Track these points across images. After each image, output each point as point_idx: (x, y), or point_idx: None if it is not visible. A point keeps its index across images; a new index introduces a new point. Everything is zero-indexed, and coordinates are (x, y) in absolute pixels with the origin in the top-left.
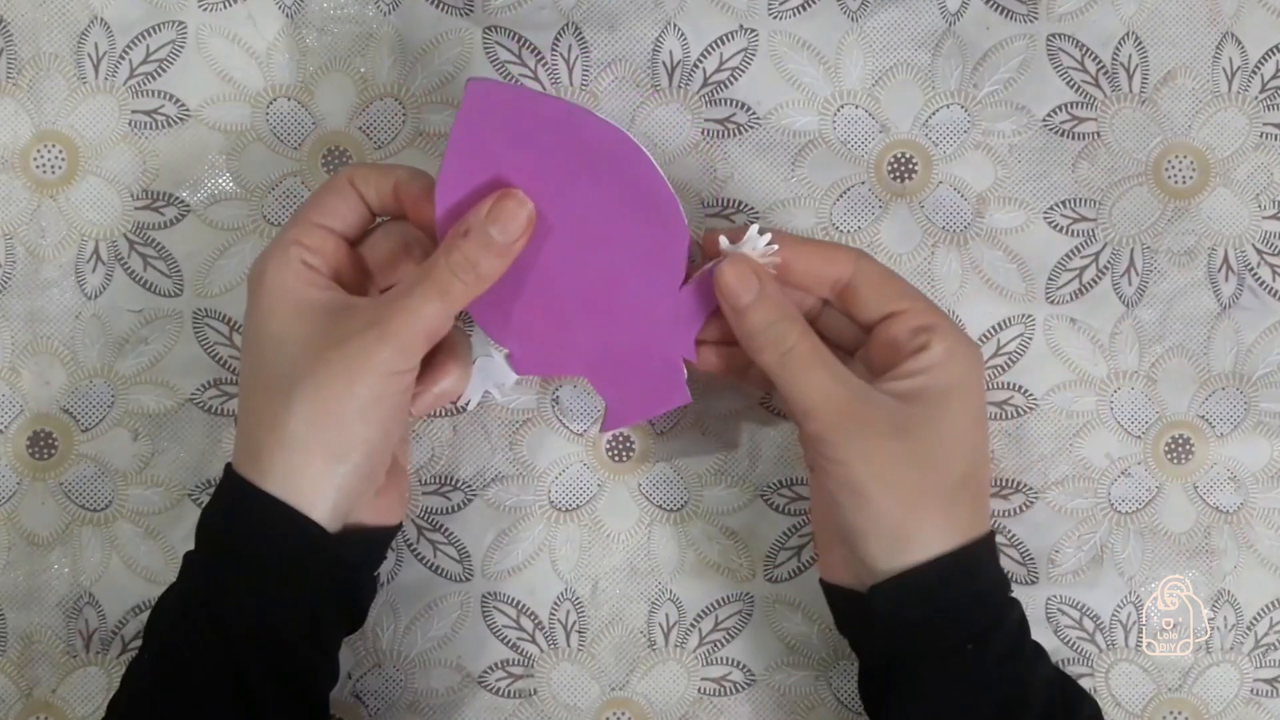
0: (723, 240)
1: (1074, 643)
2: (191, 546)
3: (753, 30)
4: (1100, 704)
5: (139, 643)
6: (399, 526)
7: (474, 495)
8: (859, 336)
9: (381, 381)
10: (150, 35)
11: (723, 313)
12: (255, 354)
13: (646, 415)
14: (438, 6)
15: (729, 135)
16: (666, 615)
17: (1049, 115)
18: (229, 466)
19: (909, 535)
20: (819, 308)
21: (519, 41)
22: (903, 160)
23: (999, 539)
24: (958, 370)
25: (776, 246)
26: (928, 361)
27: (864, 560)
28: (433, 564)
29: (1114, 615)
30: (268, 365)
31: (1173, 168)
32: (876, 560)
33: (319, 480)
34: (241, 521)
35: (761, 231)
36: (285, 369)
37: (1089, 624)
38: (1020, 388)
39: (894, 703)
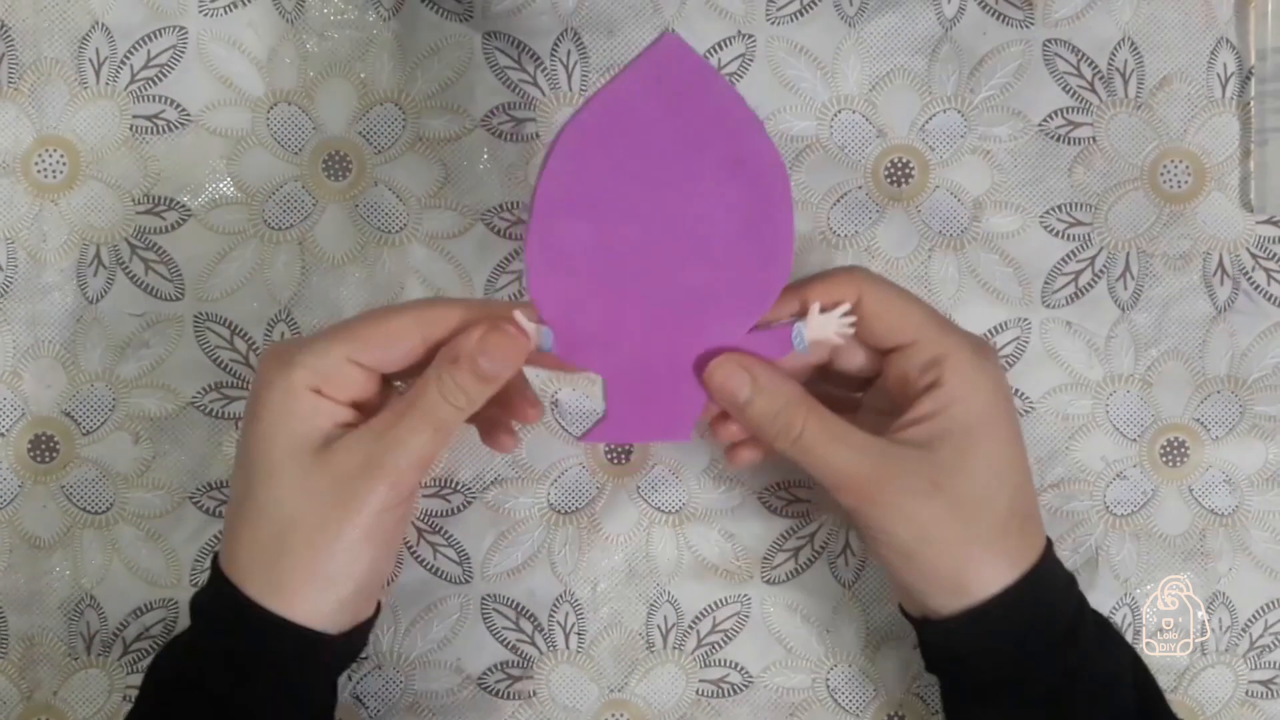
0: (813, 307)
1: None
2: (191, 548)
3: (750, 36)
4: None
5: (140, 645)
6: (378, 611)
7: (473, 498)
8: (873, 362)
9: (374, 520)
10: (151, 40)
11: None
12: (246, 474)
13: (641, 439)
14: (437, 12)
15: None
16: (665, 617)
17: (1045, 120)
18: (218, 565)
19: (966, 584)
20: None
21: (518, 47)
22: (900, 165)
23: None
24: (978, 401)
25: (854, 319)
26: (944, 400)
27: (927, 606)
28: (432, 566)
29: (1109, 617)
30: (259, 490)
31: (1168, 172)
32: (940, 608)
33: (318, 607)
34: (244, 631)
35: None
36: (278, 503)
37: None
38: (1016, 391)
39: (974, 696)
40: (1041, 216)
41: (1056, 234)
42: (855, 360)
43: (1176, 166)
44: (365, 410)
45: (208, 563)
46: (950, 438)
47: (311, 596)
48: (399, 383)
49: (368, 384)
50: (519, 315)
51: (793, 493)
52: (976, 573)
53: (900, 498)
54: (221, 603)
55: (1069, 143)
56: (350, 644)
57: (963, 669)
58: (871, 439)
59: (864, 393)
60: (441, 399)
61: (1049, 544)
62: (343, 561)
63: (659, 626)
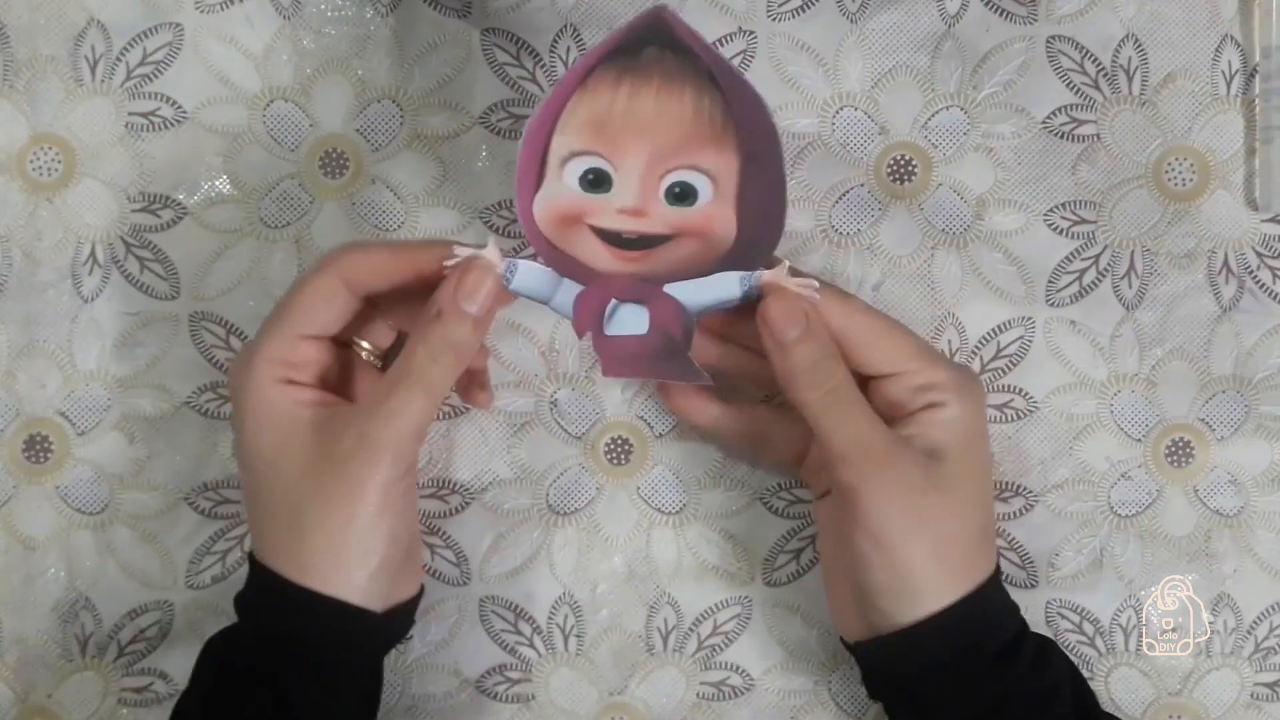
0: (783, 265)
1: (1074, 646)
2: (186, 549)
3: (751, 32)
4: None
5: (135, 647)
6: (421, 592)
7: (472, 499)
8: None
9: (381, 494)
10: (147, 37)
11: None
12: (250, 474)
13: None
14: (435, 8)
15: None
16: (665, 619)
17: (1049, 117)
18: (254, 559)
19: (930, 590)
20: None
21: (517, 43)
22: (902, 162)
23: (999, 542)
24: (973, 424)
25: (816, 284)
26: (944, 419)
27: (880, 611)
28: (430, 568)
29: (1114, 619)
30: (265, 486)
31: (1172, 170)
32: (893, 614)
33: (351, 581)
34: (286, 609)
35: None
36: (285, 495)
37: (1089, 628)
38: (1020, 390)
39: (918, 716)
40: (1045, 214)
41: (1060, 232)
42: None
43: (1181, 164)
44: (335, 381)
45: (204, 564)
46: (950, 454)
47: (341, 574)
48: (366, 346)
49: (325, 354)
50: (490, 248)
51: (794, 494)
52: (940, 583)
53: (898, 483)
54: (261, 588)
55: (1073, 140)
56: (393, 623)
57: (903, 691)
58: (888, 428)
59: None
60: (430, 360)
61: (997, 568)
62: (361, 538)
63: (659, 629)
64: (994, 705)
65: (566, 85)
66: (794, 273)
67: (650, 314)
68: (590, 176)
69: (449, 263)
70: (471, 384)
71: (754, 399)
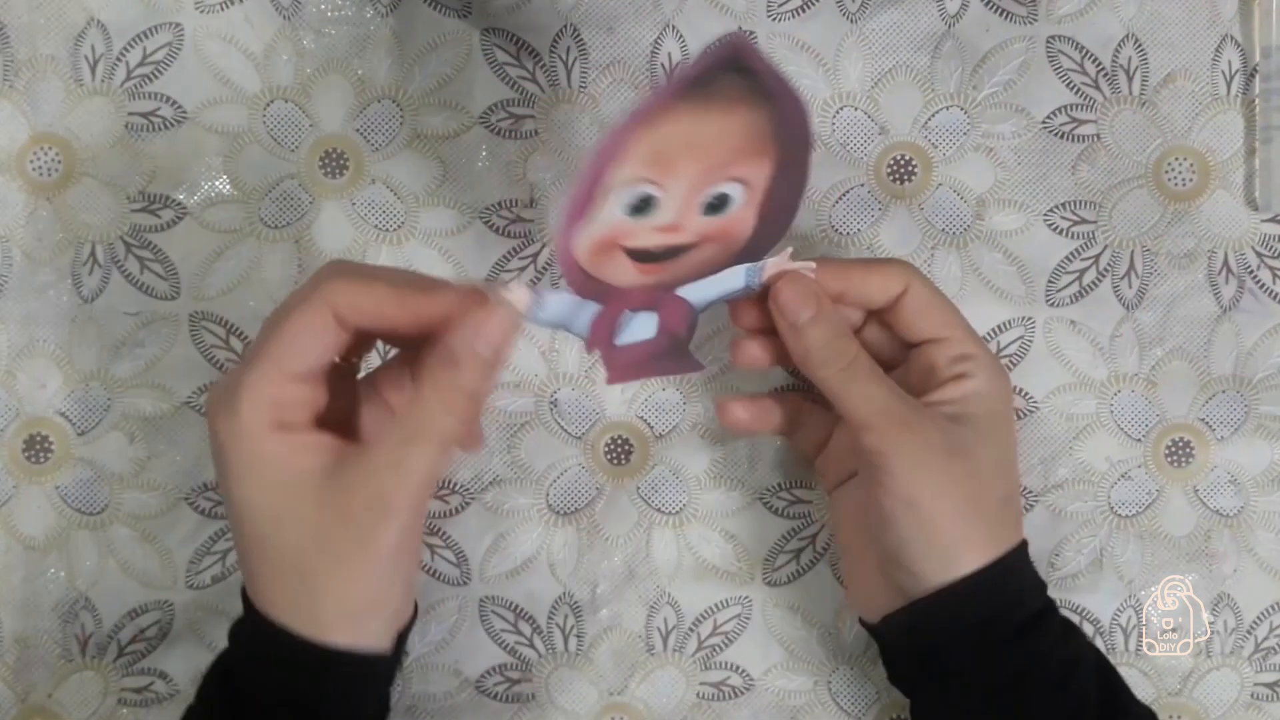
0: (786, 251)
1: None
2: (186, 549)
3: (751, 32)
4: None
5: (135, 647)
6: (416, 611)
7: (472, 499)
8: (897, 353)
9: (397, 551)
10: (147, 37)
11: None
12: (246, 529)
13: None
14: (436, 8)
15: None
16: (665, 619)
17: (1049, 117)
18: (251, 602)
19: (960, 549)
20: (861, 324)
21: (517, 43)
22: (902, 162)
23: None
24: (999, 401)
25: (814, 265)
26: (972, 389)
27: (911, 574)
28: (430, 568)
29: (1114, 619)
30: (266, 544)
31: (1172, 170)
32: (925, 574)
33: (366, 630)
34: (303, 666)
35: (793, 257)
36: (292, 556)
37: (1089, 628)
38: (1020, 390)
39: (939, 690)
40: (1045, 214)
41: (1060, 232)
42: (882, 347)
43: (1181, 164)
44: (330, 411)
45: (204, 564)
46: (973, 420)
47: (357, 625)
48: (355, 359)
49: (318, 389)
50: (512, 287)
51: (794, 494)
52: (969, 544)
53: (921, 446)
54: (266, 640)
55: (1073, 140)
56: (399, 653)
57: (925, 663)
58: (904, 392)
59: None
60: (445, 412)
61: (1024, 543)
62: (377, 590)
63: (659, 629)
64: (1016, 677)
65: (636, 122)
66: (793, 258)
67: (659, 318)
68: (638, 204)
69: (484, 326)
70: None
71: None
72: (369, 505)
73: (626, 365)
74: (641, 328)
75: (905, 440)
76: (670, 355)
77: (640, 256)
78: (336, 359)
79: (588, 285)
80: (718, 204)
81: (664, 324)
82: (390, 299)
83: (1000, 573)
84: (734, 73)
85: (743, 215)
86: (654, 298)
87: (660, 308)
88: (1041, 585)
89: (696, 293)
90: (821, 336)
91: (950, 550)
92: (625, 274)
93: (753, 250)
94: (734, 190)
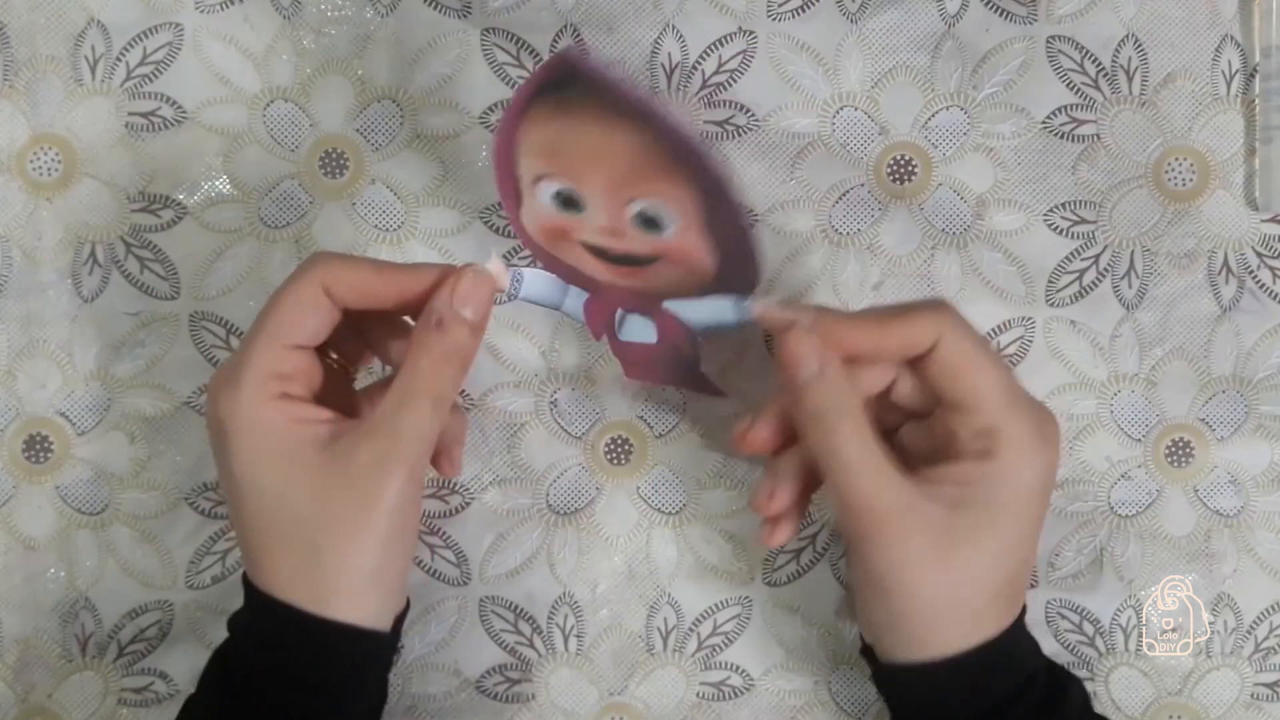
0: (758, 302)
1: (1074, 646)
2: (187, 549)
3: (751, 32)
4: (1100, 708)
5: (135, 647)
6: (408, 606)
7: (472, 499)
8: (926, 402)
9: (399, 514)
10: (147, 37)
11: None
12: (248, 503)
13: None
14: (435, 8)
15: (728, 137)
16: (665, 619)
17: (1049, 117)
18: (253, 585)
19: (926, 641)
20: (893, 378)
21: (517, 43)
22: (902, 162)
23: None
24: (1021, 482)
25: (813, 312)
26: (989, 474)
27: (881, 644)
28: (430, 568)
29: (1114, 619)
30: (270, 517)
31: (1172, 170)
32: (891, 651)
33: (368, 607)
34: (307, 643)
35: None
36: (297, 526)
37: (1089, 628)
38: None
39: None
40: (1045, 214)
41: (1060, 232)
42: (910, 396)
43: (1181, 164)
44: (322, 395)
45: (204, 564)
46: (979, 506)
47: (360, 599)
48: (335, 357)
49: (313, 365)
50: (494, 260)
51: None
52: (944, 635)
53: (904, 544)
54: (272, 618)
55: (1073, 140)
56: (394, 640)
57: (906, 707)
58: (903, 481)
59: (905, 425)
60: (434, 370)
61: (1023, 610)
62: (380, 558)
63: (659, 629)
64: None
65: (510, 115)
66: (787, 304)
67: (656, 326)
68: (561, 197)
69: (460, 287)
70: (441, 455)
71: None
72: (368, 467)
73: (641, 363)
74: (641, 330)
75: (885, 536)
76: (685, 370)
77: (599, 254)
78: (332, 357)
79: (555, 265)
80: (649, 221)
81: (663, 333)
82: (374, 273)
83: (981, 656)
84: (583, 88)
85: (689, 240)
86: (643, 303)
87: (654, 317)
88: (1030, 651)
89: (686, 311)
90: (819, 401)
91: (914, 640)
92: (594, 266)
93: (729, 281)
94: (661, 211)
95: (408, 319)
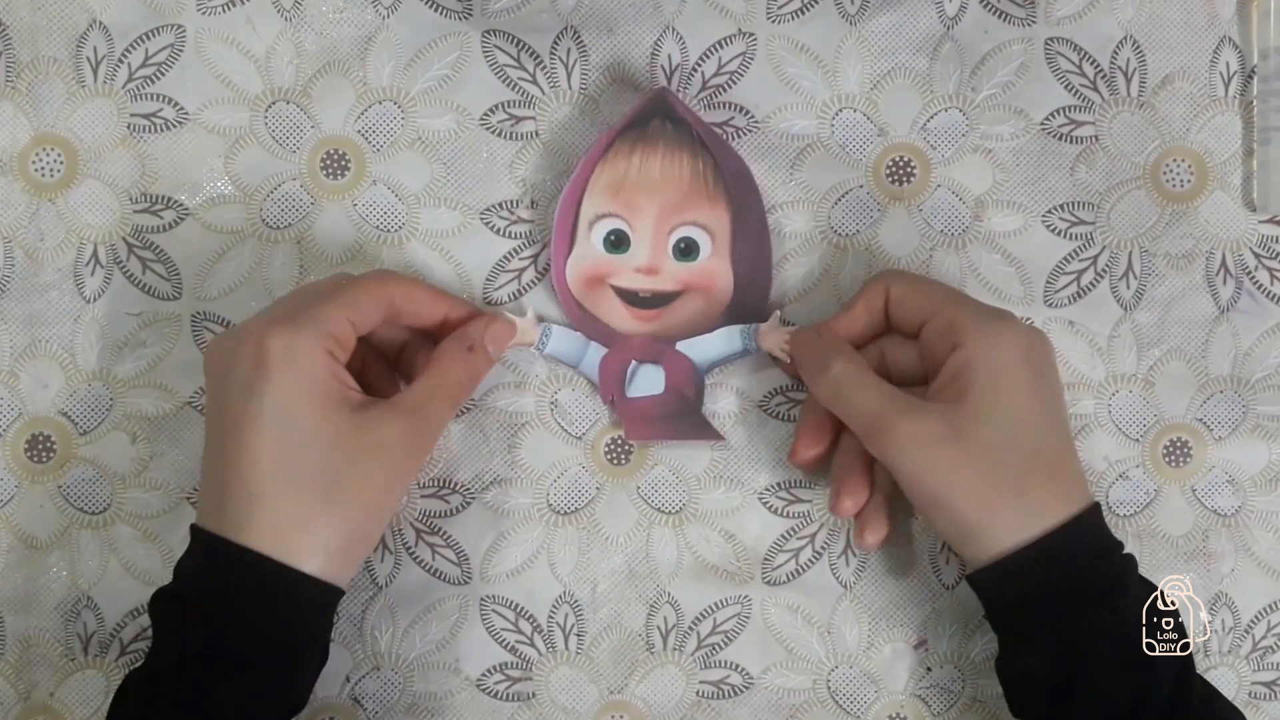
0: (774, 316)
1: None
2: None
3: (751, 34)
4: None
5: (137, 646)
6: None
7: (472, 498)
8: (924, 360)
9: (403, 489)
10: (149, 39)
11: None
12: (273, 439)
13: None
14: (436, 10)
15: (728, 138)
16: (665, 618)
17: (1047, 119)
18: (209, 532)
19: (984, 533)
20: (882, 348)
21: (518, 45)
22: (901, 164)
23: None
24: (995, 357)
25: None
26: (962, 359)
27: (959, 554)
28: (431, 567)
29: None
30: (291, 455)
31: (1170, 171)
32: (969, 556)
33: (348, 570)
34: (292, 606)
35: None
36: (314, 472)
37: None
38: None
39: (1011, 657)
40: (1043, 215)
41: (1059, 233)
42: (905, 357)
43: (1179, 165)
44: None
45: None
46: (972, 392)
47: (341, 560)
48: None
49: (352, 348)
50: (529, 316)
51: (793, 493)
52: (994, 522)
53: (920, 442)
54: (249, 572)
55: (1071, 141)
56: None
57: (998, 625)
58: (899, 391)
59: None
60: (459, 382)
61: (1093, 506)
62: (374, 528)
63: (659, 627)
64: (1074, 649)
65: (592, 157)
66: (784, 322)
67: (665, 373)
68: (612, 238)
69: (493, 327)
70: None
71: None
72: (399, 440)
73: (643, 421)
74: (650, 381)
75: (900, 443)
76: (684, 417)
77: (629, 299)
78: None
79: (585, 320)
80: (687, 249)
81: (670, 379)
82: (430, 293)
83: (1043, 548)
84: (664, 120)
85: (716, 266)
86: (657, 350)
87: (664, 362)
88: (1109, 548)
89: (696, 350)
90: (804, 344)
91: (975, 532)
92: (619, 315)
93: (740, 308)
94: (698, 235)
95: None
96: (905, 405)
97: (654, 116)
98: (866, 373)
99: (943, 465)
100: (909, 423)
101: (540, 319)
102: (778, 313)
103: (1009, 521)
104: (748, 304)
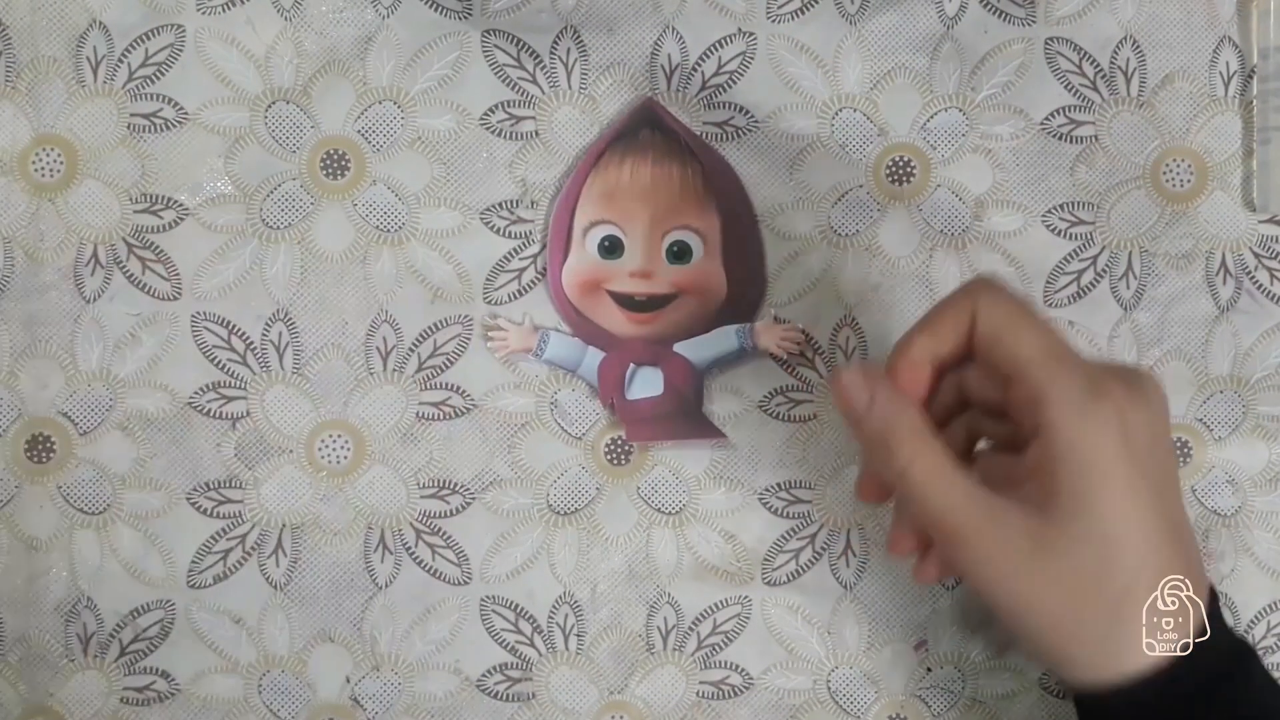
0: (770, 314)
1: None
2: (191, 549)
3: (751, 34)
4: None
5: (136, 646)
6: None
7: (472, 499)
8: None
9: None
10: (149, 39)
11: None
12: None
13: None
14: (436, 9)
15: (727, 138)
16: (665, 618)
17: (1047, 119)
18: None
19: (1076, 665)
20: (960, 378)
21: (517, 45)
22: (901, 163)
23: None
24: (1084, 448)
25: (798, 338)
26: (1045, 451)
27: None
28: (431, 568)
29: None
30: None
31: (1170, 171)
32: (1066, 679)
33: None
34: None
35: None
36: None
37: None
38: None
39: None
40: (1043, 215)
41: (1058, 233)
42: (986, 389)
43: (1179, 165)
44: None
45: (205, 564)
46: (1057, 498)
47: None
48: None
49: None
50: (526, 323)
51: (793, 494)
52: (1084, 657)
53: (997, 560)
54: None
55: (1071, 141)
56: None
57: None
58: (978, 490)
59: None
60: None
61: (1213, 619)
62: None
63: (659, 628)
64: None
65: (584, 166)
66: (778, 320)
67: (664, 374)
68: (606, 244)
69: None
70: None
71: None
72: None
73: (642, 423)
74: (648, 383)
75: (974, 555)
76: (685, 418)
77: (625, 303)
78: None
79: (583, 326)
80: (680, 252)
81: (669, 380)
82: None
83: (1164, 683)
84: (653, 129)
85: (709, 267)
86: (654, 352)
87: (662, 363)
88: (1229, 671)
89: (693, 351)
90: (874, 432)
91: (1069, 668)
92: (615, 319)
93: (735, 309)
94: (690, 239)
95: None
96: (985, 511)
97: (642, 126)
98: (942, 465)
99: (1024, 591)
100: (988, 538)
101: (537, 326)
102: (772, 311)
103: (1104, 657)
104: (742, 304)
